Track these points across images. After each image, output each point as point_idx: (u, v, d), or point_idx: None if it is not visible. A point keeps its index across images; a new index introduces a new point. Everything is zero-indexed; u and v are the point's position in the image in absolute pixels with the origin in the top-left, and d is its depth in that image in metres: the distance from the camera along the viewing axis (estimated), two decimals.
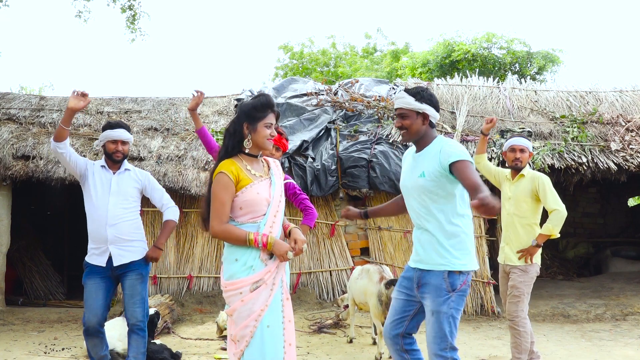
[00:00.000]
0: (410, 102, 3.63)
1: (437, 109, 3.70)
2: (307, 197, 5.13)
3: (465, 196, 3.61)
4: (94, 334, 4.73)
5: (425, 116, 3.64)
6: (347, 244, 8.94)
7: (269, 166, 3.58)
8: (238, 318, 3.30)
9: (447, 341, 3.48)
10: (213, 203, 3.34)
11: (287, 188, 5.03)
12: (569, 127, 9.38)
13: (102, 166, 4.87)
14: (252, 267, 3.30)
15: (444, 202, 3.55)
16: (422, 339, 3.85)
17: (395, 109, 3.77)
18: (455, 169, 3.40)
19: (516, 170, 5.29)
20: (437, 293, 3.53)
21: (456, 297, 3.51)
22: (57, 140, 4.64)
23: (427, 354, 3.57)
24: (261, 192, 3.39)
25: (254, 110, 3.42)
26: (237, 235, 3.30)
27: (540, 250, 5.18)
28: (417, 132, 3.67)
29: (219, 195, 3.32)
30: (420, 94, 3.65)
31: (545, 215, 5.09)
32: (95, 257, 4.73)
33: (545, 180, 5.12)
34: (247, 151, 3.45)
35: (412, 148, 3.84)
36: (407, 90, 3.71)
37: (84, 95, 4.54)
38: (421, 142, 3.70)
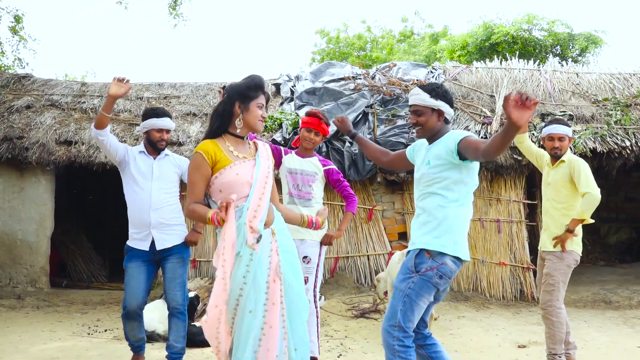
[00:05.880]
0: (425, 99, 3.62)
1: (451, 105, 3.69)
2: (349, 185, 5.24)
3: (466, 186, 3.57)
4: (134, 317, 4.83)
5: (440, 113, 3.64)
6: (384, 228, 8.92)
7: (256, 148, 3.50)
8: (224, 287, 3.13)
9: (396, 318, 3.45)
10: (187, 182, 3.37)
11: (331, 174, 5.14)
12: (611, 110, 9.18)
13: (141, 152, 4.93)
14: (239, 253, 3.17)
15: (443, 190, 3.53)
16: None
17: (410, 106, 3.75)
18: (463, 144, 3.39)
19: (555, 158, 5.18)
20: (402, 270, 3.57)
21: (419, 279, 3.47)
22: (98, 127, 4.71)
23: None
24: (241, 173, 3.29)
25: (247, 90, 3.36)
26: (200, 214, 3.24)
27: (580, 238, 5.05)
28: (431, 128, 3.65)
29: (190, 175, 3.32)
30: (435, 91, 3.64)
31: None
32: (137, 241, 4.80)
33: (582, 164, 4.97)
34: (238, 131, 3.38)
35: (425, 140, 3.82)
36: (421, 87, 3.69)
37: (125, 81, 4.61)
38: (434, 137, 3.68)
